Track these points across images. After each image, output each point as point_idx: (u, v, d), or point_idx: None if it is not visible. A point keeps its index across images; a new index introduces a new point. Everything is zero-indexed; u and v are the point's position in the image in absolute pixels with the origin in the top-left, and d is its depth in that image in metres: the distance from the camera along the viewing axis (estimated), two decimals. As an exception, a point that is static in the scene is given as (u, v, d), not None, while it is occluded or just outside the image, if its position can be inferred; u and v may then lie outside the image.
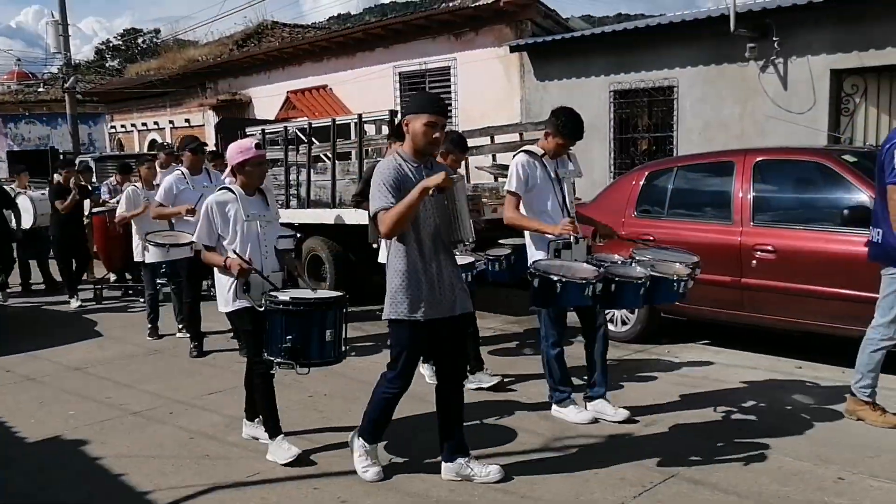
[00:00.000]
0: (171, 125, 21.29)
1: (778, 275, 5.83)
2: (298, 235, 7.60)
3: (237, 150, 4.55)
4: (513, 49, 12.18)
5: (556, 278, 4.24)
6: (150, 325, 7.87)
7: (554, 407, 5.01)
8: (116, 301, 10.18)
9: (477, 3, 12.63)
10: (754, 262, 5.91)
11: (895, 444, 4.41)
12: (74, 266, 10.14)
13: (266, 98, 17.30)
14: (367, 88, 14.50)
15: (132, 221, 8.13)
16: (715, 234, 6.27)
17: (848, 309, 5.57)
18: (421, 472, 4.22)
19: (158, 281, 7.73)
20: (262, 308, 4.32)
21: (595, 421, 4.85)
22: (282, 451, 4.43)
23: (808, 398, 5.26)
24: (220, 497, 4.06)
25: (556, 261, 4.56)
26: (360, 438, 4.20)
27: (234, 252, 4.42)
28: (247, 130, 11.41)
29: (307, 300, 4.31)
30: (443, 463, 4.11)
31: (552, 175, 4.85)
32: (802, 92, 9.35)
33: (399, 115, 4.03)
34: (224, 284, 4.51)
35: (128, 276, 10.37)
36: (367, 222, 5.82)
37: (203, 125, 19.45)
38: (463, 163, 6.06)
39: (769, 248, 5.94)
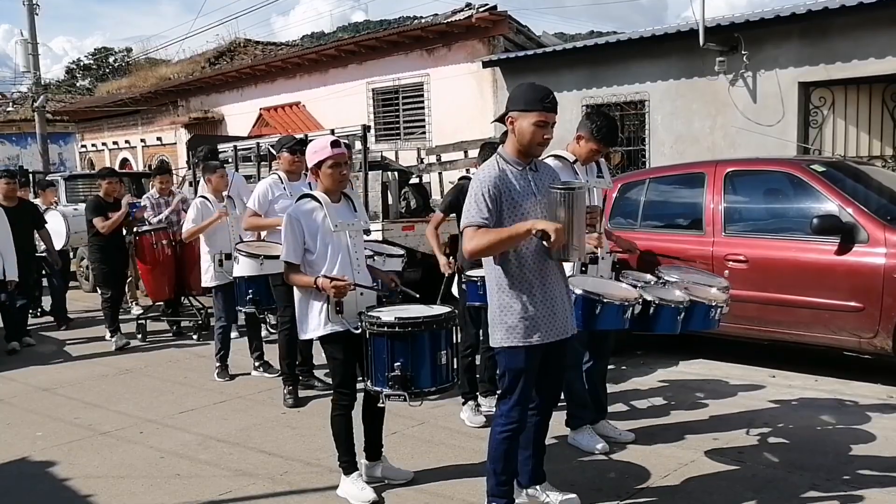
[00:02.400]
0: (142, 143, 21.12)
1: (750, 284, 5.87)
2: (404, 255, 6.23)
3: (312, 151, 4.07)
4: (485, 64, 12.24)
5: (596, 298, 3.93)
6: (218, 364, 6.64)
7: (571, 433, 4.71)
8: (163, 337, 8.59)
9: (449, 20, 12.70)
10: (727, 272, 5.94)
11: (868, 450, 4.43)
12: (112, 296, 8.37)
13: (239, 115, 17.23)
14: (341, 105, 14.49)
15: (202, 238, 6.83)
16: (687, 244, 6.30)
17: (819, 318, 5.62)
18: (398, 488, 4.17)
19: (243, 309, 6.30)
20: (359, 330, 3.88)
21: (607, 450, 4.55)
22: (355, 491, 4.03)
23: (782, 407, 5.27)
24: (191, 517, 3.99)
25: (589, 279, 4.24)
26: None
27: (324, 276, 3.93)
28: (219, 147, 11.37)
29: (415, 320, 3.76)
30: (518, 489, 3.76)
31: (585, 183, 4.32)
32: (771, 104, 9.47)
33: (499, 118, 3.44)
34: (313, 306, 4.03)
35: (192, 302, 8.63)
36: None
37: (175, 143, 19.31)
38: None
39: (741, 257, 5.98)
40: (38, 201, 10.50)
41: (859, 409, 5.13)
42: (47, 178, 12.93)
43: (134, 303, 10.10)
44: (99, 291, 8.43)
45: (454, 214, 5.22)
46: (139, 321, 8.52)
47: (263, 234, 6.19)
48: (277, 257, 5.41)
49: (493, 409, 5.16)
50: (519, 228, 3.28)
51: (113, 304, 8.29)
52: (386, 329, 3.75)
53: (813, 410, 5.15)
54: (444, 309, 3.99)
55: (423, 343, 3.74)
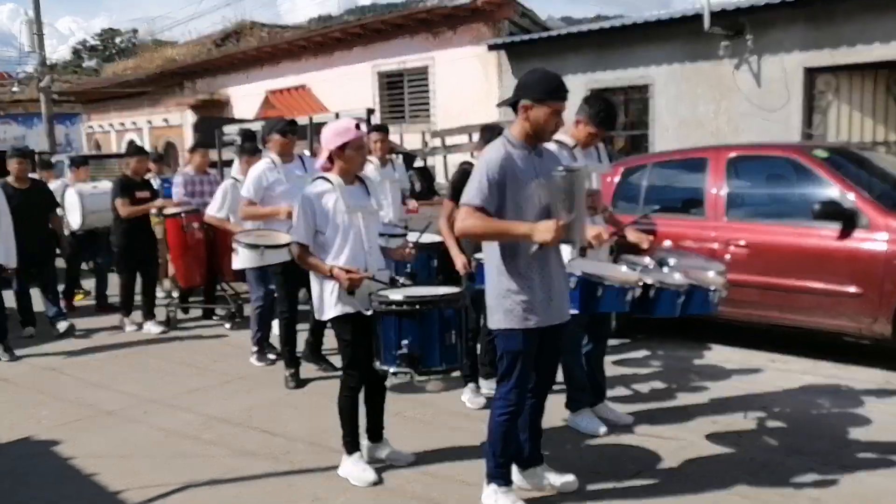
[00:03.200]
0: (149, 125, 21.14)
1: (751, 269, 5.88)
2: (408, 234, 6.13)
3: (335, 133, 4.06)
4: (490, 48, 12.22)
5: (597, 281, 3.94)
6: (256, 348, 6.44)
7: (570, 415, 4.74)
8: (194, 324, 8.17)
9: (454, 3, 12.66)
10: (728, 256, 5.95)
11: (865, 435, 4.46)
12: (142, 283, 7.91)
13: (245, 98, 17.23)
14: (346, 88, 14.49)
15: (231, 219, 6.69)
16: (690, 229, 6.31)
17: (819, 303, 5.63)
18: (398, 469, 4.23)
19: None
20: (370, 312, 3.90)
21: (606, 432, 4.59)
22: (357, 471, 4.08)
23: (780, 391, 5.30)
24: (193, 495, 4.04)
25: (588, 262, 4.22)
26: (491, 486, 3.63)
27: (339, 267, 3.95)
28: (224, 130, 11.40)
29: (424, 298, 3.82)
30: (517, 471, 3.80)
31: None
32: (776, 89, 9.44)
33: (517, 95, 3.41)
34: (326, 289, 4.04)
35: (225, 289, 8.10)
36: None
37: (181, 125, 19.33)
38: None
39: (743, 242, 5.99)
40: (66, 180, 9.83)
41: (857, 394, 5.15)
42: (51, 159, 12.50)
43: (168, 289, 9.10)
44: (118, 274, 8.03)
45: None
46: (168, 309, 8.12)
47: (248, 224, 6.05)
48: (279, 247, 5.54)
49: (494, 392, 5.28)
50: (517, 229, 3.34)
51: (128, 291, 7.86)
52: (394, 307, 3.79)
53: (811, 395, 5.18)
54: (454, 289, 4.04)
55: (431, 322, 3.78)
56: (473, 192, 3.39)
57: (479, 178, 3.39)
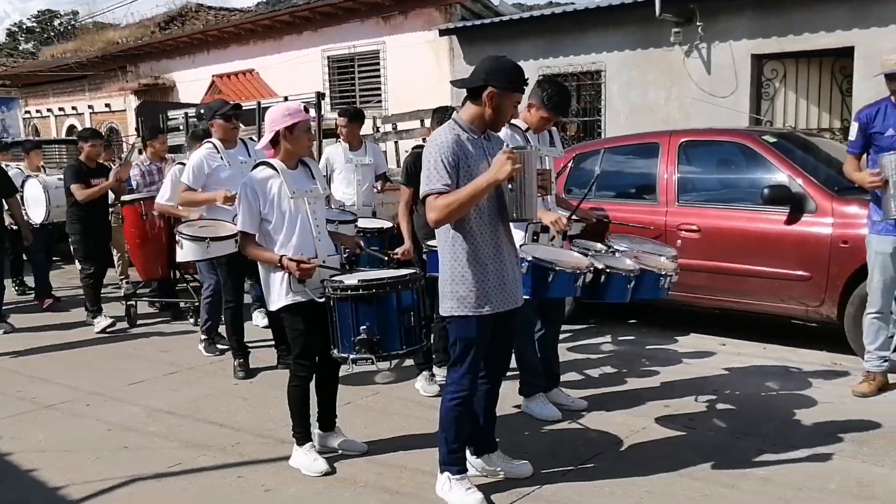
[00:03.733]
0: (90, 110, 20.53)
1: (702, 254, 5.93)
2: (357, 220, 6.02)
3: (284, 113, 3.93)
4: (442, 33, 12.11)
5: (548, 266, 3.91)
6: (204, 337, 6.31)
7: (524, 401, 4.71)
8: (156, 320, 7.68)
9: (406, -14, 12.53)
10: (679, 241, 5.99)
11: (812, 416, 4.53)
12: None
13: (191, 82, 16.82)
14: (296, 73, 14.23)
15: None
16: (641, 214, 6.34)
17: (768, 286, 5.71)
18: (351, 458, 4.15)
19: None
20: (323, 299, 3.82)
21: (560, 417, 4.58)
22: (308, 462, 3.99)
23: (731, 374, 5.36)
24: (139, 489, 3.91)
25: (540, 247, 4.22)
26: (445, 474, 3.58)
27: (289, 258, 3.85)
28: (169, 114, 11.13)
29: (380, 281, 3.74)
30: (471, 457, 3.77)
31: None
32: (725, 76, 9.53)
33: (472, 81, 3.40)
34: (276, 278, 3.93)
35: (188, 280, 7.51)
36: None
37: (125, 110, 18.82)
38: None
39: (694, 227, 6.04)
40: (22, 165, 9.39)
41: (805, 376, 5.24)
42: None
43: (124, 281, 8.54)
44: (78, 267, 7.53)
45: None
46: (128, 303, 7.50)
47: (192, 213, 5.87)
48: (225, 238, 5.40)
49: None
50: (479, 183, 3.27)
51: (95, 282, 7.41)
52: (350, 293, 3.69)
53: (761, 377, 5.25)
54: (409, 270, 3.98)
55: (389, 305, 3.71)
56: (434, 179, 3.32)
57: (434, 164, 3.33)
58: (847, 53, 8.83)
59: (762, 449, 4.07)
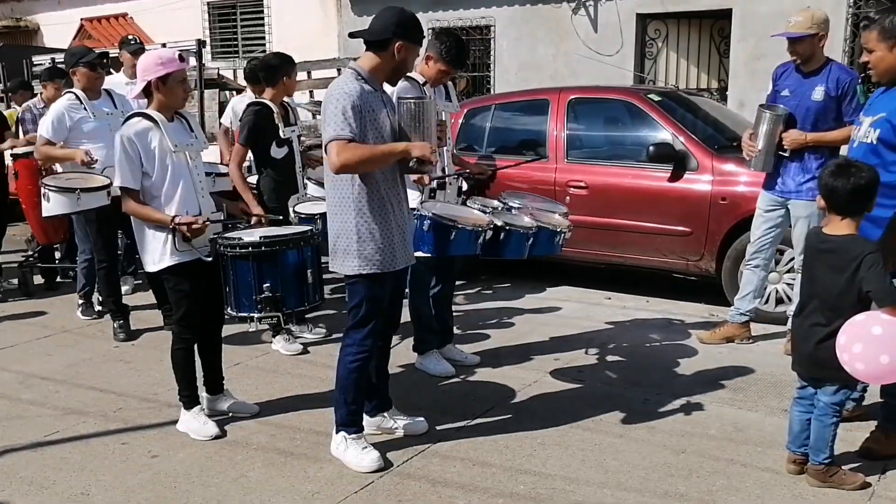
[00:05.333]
0: (-58, 53, 18.91)
1: (590, 210, 6.05)
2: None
3: (156, 62, 3.67)
4: (329, -19, 11.77)
5: (450, 224, 3.85)
6: (82, 301, 5.94)
7: (418, 358, 4.71)
8: (57, 290, 6.83)
9: (290, -69, 12.05)
10: (568, 198, 6.09)
11: (692, 365, 4.74)
12: None
13: (57, 26, 15.71)
14: (173, 19, 13.52)
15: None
16: (531, 171, 6.39)
17: (651, 242, 5.90)
18: (241, 421, 4.05)
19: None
20: (210, 257, 3.68)
21: (454, 373, 4.61)
22: (197, 425, 3.85)
23: (617, 327, 5.54)
24: (13, 461, 3.67)
25: (437, 203, 4.15)
26: (341, 433, 3.53)
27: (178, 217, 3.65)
28: (34, 59, 10.37)
29: (281, 238, 3.65)
30: (366, 417, 3.69)
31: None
32: (611, 35, 9.72)
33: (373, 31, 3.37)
34: (157, 237, 3.70)
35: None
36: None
37: (-18, 54, 17.42)
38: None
39: (582, 184, 6.15)
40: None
41: (686, 327, 5.47)
42: None
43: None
44: None
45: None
46: (23, 269, 6.74)
47: (58, 166, 5.50)
48: (97, 190, 5.08)
49: (307, 335, 5.21)
50: (395, 148, 3.29)
51: None
52: (251, 250, 3.59)
53: (645, 330, 5.45)
54: (305, 227, 3.90)
55: (290, 261, 3.64)
56: (340, 125, 3.22)
57: (341, 111, 3.22)
58: (725, 16, 9.15)
59: (647, 398, 4.23)
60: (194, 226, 3.65)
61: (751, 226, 5.02)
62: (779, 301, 5.42)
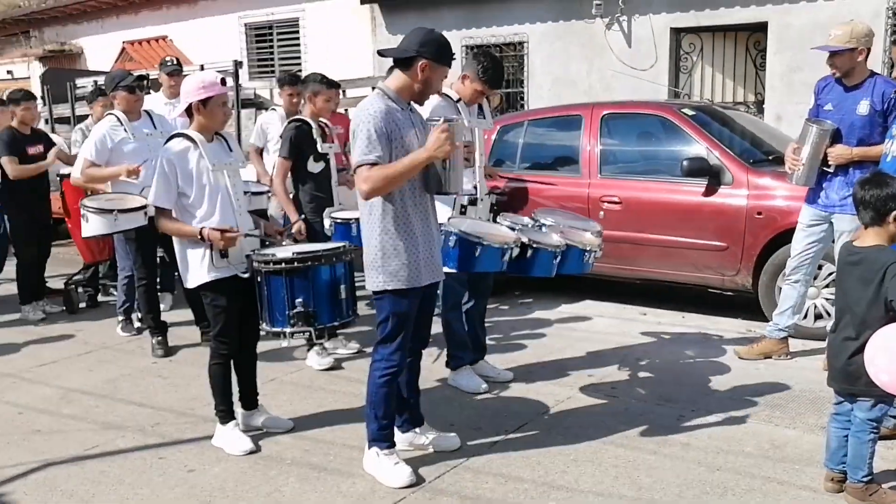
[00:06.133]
0: (-9, 77, 19.50)
1: (624, 225, 6.02)
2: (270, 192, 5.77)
3: (198, 85, 3.78)
4: (363, 1, 11.90)
5: (476, 241, 3.84)
6: (122, 318, 6.04)
7: (451, 374, 4.72)
8: (98, 307, 6.95)
9: (326, -48, 12.24)
10: (602, 213, 6.07)
11: (727, 381, 4.68)
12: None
13: (100, 49, 16.11)
14: (211, 40, 13.78)
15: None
16: (564, 186, 6.39)
17: (687, 257, 5.85)
18: (276, 436, 4.09)
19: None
20: (247, 274, 3.75)
21: (486, 389, 4.60)
22: (232, 440, 3.90)
23: (651, 343, 5.49)
24: (55, 473, 3.75)
25: (467, 220, 4.17)
26: (373, 449, 3.55)
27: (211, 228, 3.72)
28: (77, 82, 10.64)
29: (314, 253, 3.68)
30: (398, 432, 3.72)
31: (467, 123, 4.35)
32: (645, 49, 9.68)
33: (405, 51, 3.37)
34: (195, 254, 3.78)
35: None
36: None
37: (28, 77, 17.90)
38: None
39: (615, 199, 6.12)
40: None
41: (721, 343, 5.41)
42: None
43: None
44: (13, 251, 6.80)
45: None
46: (68, 287, 6.87)
47: (103, 186, 5.60)
48: (134, 210, 5.20)
49: (340, 350, 5.27)
50: (417, 157, 3.27)
51: (30, 269, 6.66)
52: (284, 266, 3.63)
53: (680, 345, 5.39)
54: (339, 243, 3.94)
55: (323, 277, 3.66)
56: (364, 149, 3.27)
57: (366, 135, 3.27)
58: (761, 28, 9.08)
59: (682, 415, 4.19)
60: (228, 234, 3.70)
61: (788, 240, 4.96)
62: (818, 317, 5.33)
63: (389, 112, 3.32)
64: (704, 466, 3.60)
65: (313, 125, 5.14)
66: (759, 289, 5.55)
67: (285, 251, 3.77)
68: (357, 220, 4.68)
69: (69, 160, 6.60)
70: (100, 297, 7.12)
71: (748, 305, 5.88)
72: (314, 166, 5.14)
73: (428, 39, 3.36)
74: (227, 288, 3.81)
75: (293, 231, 4.66)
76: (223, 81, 3.87)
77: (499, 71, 4.50)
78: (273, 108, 6.48)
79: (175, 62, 6.64)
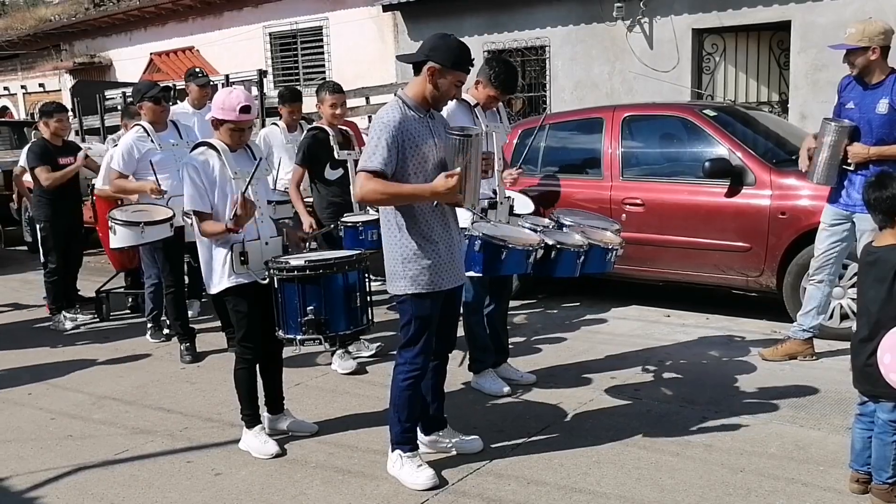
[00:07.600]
0: (23, 90, 19.86)
1: (647, 227, 6.02)
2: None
3: (219, 105, 3.86)
4: (385, 8, 11.98)
5: (501, 244, 3.89)
6: (151, 325, 6.15)
7: (473, 377, 4.74)
8: (130, 315, 7.08)
9: (348, -39, 12.34)
10: (624, 215, 6.07)
11: (752, 383, 4.66)
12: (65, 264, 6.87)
13: (128, 60, 16.39)
14: (237, 50, 13.97)
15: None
16: (587, 189, 6.40)
17: (710, 258, 5.82)
18: (301, 440, 4.14)
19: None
20: (266, 280, 3.79)
21: (509, 392, 4.61)
22: (258, 444, 3.95)
23: (675, 344, 5.47)
24: (85, 477, 3.84)
25: (489, 224, 4.21)
26: (396, 452, 3.59)
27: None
28: (106, 94, 10.83)
29: (326, 261, 3.72)
30: (420, 435, 3.77)
31: (484, 128, 4.33)
32: (667, 51, 9.65)
33: (420, 55, 3.40)
34: (217, 259, 3.86)
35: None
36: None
37: (60, 90, 18.23)
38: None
39: (638, 201, 6.12)
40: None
41: (746, 345, 5.37)
42: None
43: None
44: (42, 259, 6.93)
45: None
46: (99, 295, 7.00)
47: (132, 197, 5.72)
48: (160, 223, 5.31)
49: (363, 353, 5.32)
50: (421, 192, 3.32)
51: (58, 277, 6.78)
52: (296, 273, 3.68)
53: (704, 347, 5.37)
54: (355, 251, 3.97)
55: (335, 285, 3.70)
56: (372, 156, 3.31)
57: (376, 142, 3.31)
58: (784, 27, 9.00)
59: (705, 416, 4.18)
60: (243, 206, 3.69)
61: (812, 240, 4.93)
62: (843, 317, 5.29)
63: (404, 121, 3.35)
64: (728, 468, 3.59)
65: (331, 133, 5.21)
66: (783, 289, 5.52)
67: (299, 259, 3.82)
68: (364, 223, 4.85)
69: (96, 168, 6.77)
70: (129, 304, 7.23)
71: (772, 307, 5.84)
72: (331, 173, 5.23)
73: (437, 44, 3.38)
74: (248, 294, 3.88)
75: (305, 230, 4.75)
76: (245, 109, 3.86)
77: (511, 76, 4.52)
78: (274, 123, 6.51)
79: (202, 72, 6.76)
